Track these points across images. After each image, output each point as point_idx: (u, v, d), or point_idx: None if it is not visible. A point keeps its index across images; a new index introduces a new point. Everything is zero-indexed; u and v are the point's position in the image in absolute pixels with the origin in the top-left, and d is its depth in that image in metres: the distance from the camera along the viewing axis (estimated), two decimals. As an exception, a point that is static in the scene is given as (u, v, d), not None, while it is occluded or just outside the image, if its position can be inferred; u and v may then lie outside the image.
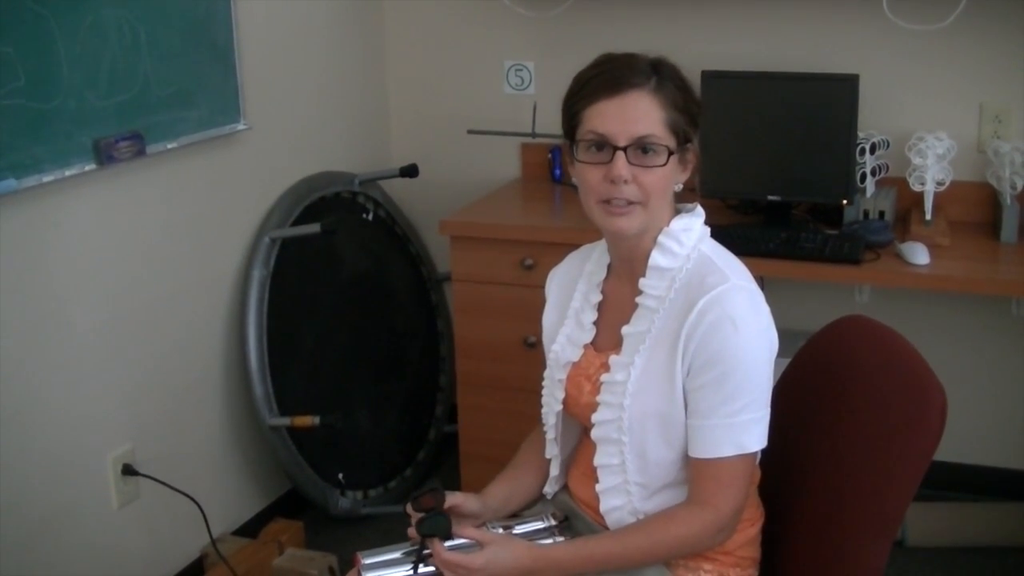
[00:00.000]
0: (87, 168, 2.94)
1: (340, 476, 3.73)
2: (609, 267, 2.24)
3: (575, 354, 2.23)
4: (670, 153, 2.03)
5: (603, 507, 2.16)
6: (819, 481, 2.15)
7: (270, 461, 3.71)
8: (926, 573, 3.46)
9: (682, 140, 2.05)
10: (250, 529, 3.64)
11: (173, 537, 3.39)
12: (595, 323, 2.22)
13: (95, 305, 3.07)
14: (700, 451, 2.04)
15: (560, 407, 2.25)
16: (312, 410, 3.53)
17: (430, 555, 2.09)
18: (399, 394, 4.04)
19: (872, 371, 2.13)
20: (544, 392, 2.30)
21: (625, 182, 2.03)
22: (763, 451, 2.11)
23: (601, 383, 2.13)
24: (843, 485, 2.10)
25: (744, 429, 2.01)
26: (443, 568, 2.07)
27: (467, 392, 3.74)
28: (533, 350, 3.54)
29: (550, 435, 2.30)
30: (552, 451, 2.31)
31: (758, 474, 2.19)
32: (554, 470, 2.32)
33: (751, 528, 2.17)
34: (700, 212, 2.16)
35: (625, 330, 2.12)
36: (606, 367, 2.13)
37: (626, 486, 2.12)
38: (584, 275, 2.29)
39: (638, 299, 2.11)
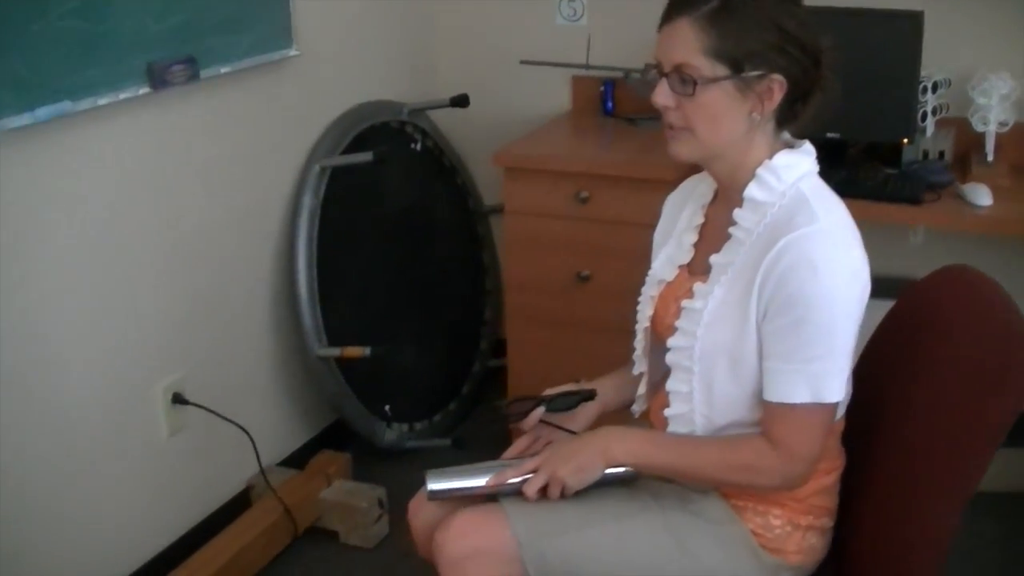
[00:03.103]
0: (141, 91, 2.89)
1: (386, 408, 3.70)
2: (717, 192, 2.20)
3: (670, 273, 2.20)
4: (697, 83, 1.96)
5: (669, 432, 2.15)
6: (903, 432, 2.09)
7: (316, 392, 3.68)
8: (983, 518, 3.41)
9: (741, 68, 1.96)
10: (295, 460, 3.62)
11: (220, 467, 3.38)
12: (695, 245, 2.19)
13: (146, 231, 3.03)
14: (773, 395, 1.99)
15: (648, 324, 2.23)
16: (358, 341, 3.50)
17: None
18: (444, 327, 4.01)
19: (967, 323, 2.06)
20: (638, 308, 2.28)
21: (667, 108, 2.02)
22: (852, 397, 2.07)
23: (682, 308, 2.10)
24: (927, 437, 2.03)
25: (820, 378, 1.96)
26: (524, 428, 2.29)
27: (516, 327, 3.70)
28: (586, 284, 3.50)
29: (638, 351, 2.29)
30: (640, 367, 2.30)
31: (841, 423, 2.13)
32: (641, 388, 2.31)
33: (827, 477, 2.12)
34: (808, 150, 2.09)
35: (713, 259, 2.08)
36: (691, 292, 2.10)
37: (692, 415, 2.09)
38: (694, 196, 2.25)
39: (730, 229, 2.06)
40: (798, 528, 2.11)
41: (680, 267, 2.19)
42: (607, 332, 3.39)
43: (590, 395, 2.31)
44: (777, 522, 2.11)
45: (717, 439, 2.08)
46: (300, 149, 3.58)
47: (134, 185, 2.97)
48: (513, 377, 3.73)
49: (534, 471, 2.11)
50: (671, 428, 2.14)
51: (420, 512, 2.28)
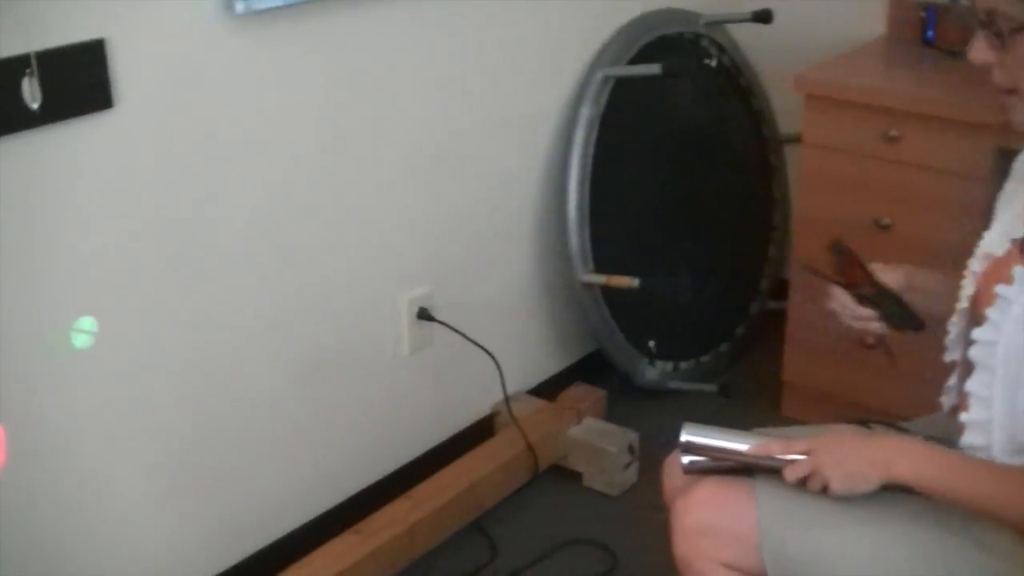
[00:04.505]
0: (410, -21, 2.67)
1: (651, 344, 3.42)
2: None
3: (1000, 247, 1.84)
4: (1004, 33, 1.63)
5: (963, 441, 1.81)
6: None
7: (574, 321, 3.43)
8: None
9: None
10: (544, 390, 3.37)
11: (464, 390, 3.17)
12: None
13: (403, 131, 2.81)
14: None
15: (966, 304, 1.88)
16: (627, 268, 3.22)
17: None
18: (723, 261, 3.69)
19: None
20: (962, 283, 1.93)
21: (990, 65, 1.70)
22: None
23: (996, 294, 1.75)
24: None
25: None
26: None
27: (802, 270, 3.35)
28: (885, 233, 3.12)
29: (952, 334, 1.94)
30: (952, 354, 1.95)
31: None
32: (952, 379, 1.97)
33: None
34: None
35: None
36: (1010, 276, 1.74)
37: (990, 426, 1.76)
38: None
39: None
40: None
41: (1013, 241, 1.82)
42: (904, 288, 3.07)
43: (917, 325, 1.99)
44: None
45: None
46: (583, 55, 3.29)
47: (393, 80, 2.75)
48: (793, 322, 3.39)
49: (804, 453, 1.81)
50: (966, 437, 1.81)
51: (675, 471, 2.04)
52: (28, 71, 2.01)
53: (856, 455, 1.77)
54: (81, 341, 2.18)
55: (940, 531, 1.78)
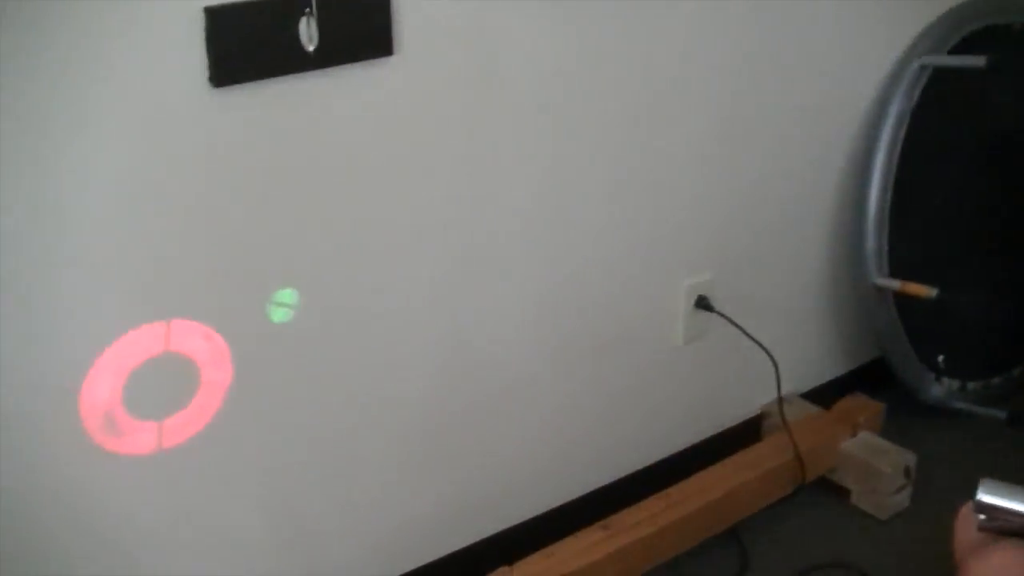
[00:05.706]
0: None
1: (939, 359, 3.16)
2: None
3: None
4: None
5: None
6: None
7: (860, 325, 3.19)
8: None
9: None
10: (817, 396, 3.14)
11: (734, 387, 2.98)
12: None
13: (698, 109, 2.60)
14: None
15: None
16: (922, 276, 2.97)
17: None
18: (1027, 277, 3.40)
19: None
20: None
21: None
22: None
23: None
24: None
25: None
26: None
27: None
28: None
29: None
30: None
31: None
32: None
33: None
34: None
35: None
36: None
37: None
38: None
39: None
40: None
41: None
42: None
43: None
44: None
45: None
46: (899, 41, 3.03)
47: (691, 55, 2.55)
48: (1100, 356, 3.09)
49: None
50: None
51: (970, 522, 1.80)
52: (307, 11, 1.89)
53: None
54: (279, 315, 2.06)
55: None
